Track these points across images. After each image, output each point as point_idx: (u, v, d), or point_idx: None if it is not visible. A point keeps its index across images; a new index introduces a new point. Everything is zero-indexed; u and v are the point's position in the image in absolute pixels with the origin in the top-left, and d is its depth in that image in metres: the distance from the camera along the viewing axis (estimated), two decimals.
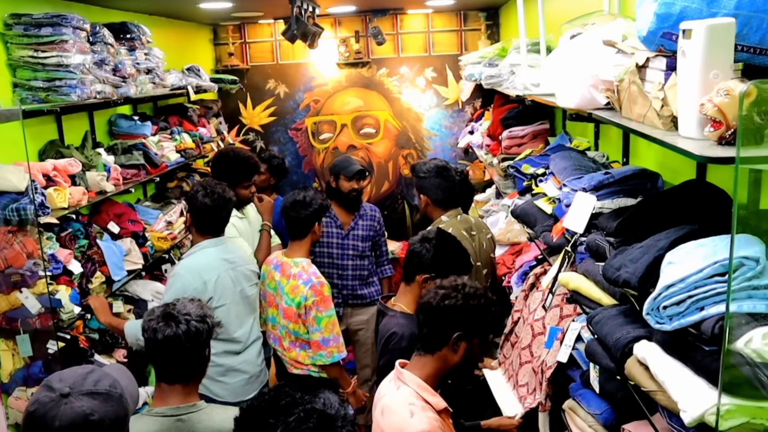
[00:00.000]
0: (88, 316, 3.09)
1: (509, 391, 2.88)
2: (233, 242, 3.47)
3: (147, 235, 3.96)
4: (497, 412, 2.78)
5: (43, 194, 2.86)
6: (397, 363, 2.17)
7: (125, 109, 4.54)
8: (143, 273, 3.93)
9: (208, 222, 3.19)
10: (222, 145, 5.50)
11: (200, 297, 2.91)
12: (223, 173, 3.81)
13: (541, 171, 3.22)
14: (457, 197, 3.51)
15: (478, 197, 5.03)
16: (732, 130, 1.28)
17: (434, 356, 2.11)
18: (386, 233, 4.54)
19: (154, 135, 4.34)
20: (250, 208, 4.03)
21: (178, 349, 2.17)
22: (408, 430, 1.95)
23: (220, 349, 3.12)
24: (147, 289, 3.91)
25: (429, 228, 2.97)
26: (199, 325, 2.21)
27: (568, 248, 2.43)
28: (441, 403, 2.08)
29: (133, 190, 3.84)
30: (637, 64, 1.71)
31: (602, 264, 2.00)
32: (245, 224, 3.87)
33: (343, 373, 3.42)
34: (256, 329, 3.35)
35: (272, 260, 3.39)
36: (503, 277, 3.57)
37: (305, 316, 3.16)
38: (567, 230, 2.40)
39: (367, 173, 4.23)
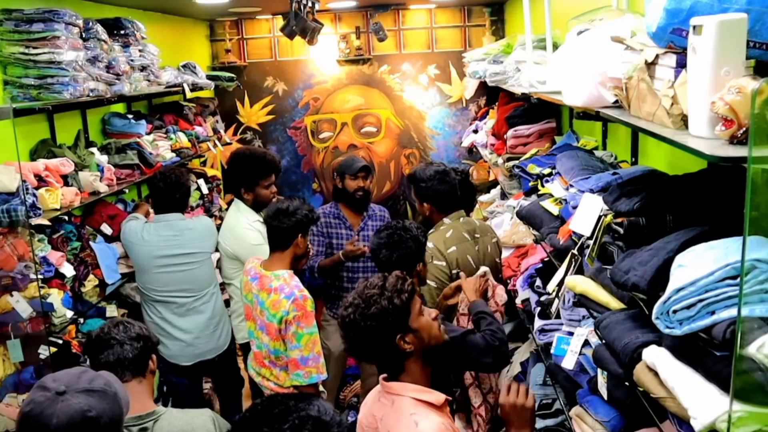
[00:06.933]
0: (81, 320, 3.05)
1: None
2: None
3: None
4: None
5: (34, 195, 2.83)
6: (380, 378, 2.08)
7: (119, 108, 4.51)
8: None
9: (159, 201, 3.63)
10: (219, 144, 5.47)
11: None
12: (240, 174, 3.76)
13: (547, 171, 3.19)
14: (458, 200, 3.43)
15: (482, 198, 4.98)
16: (744, 128, 1.26)
17: (406, 365, 2.03)
18: None
19: (148, 134, 4.31)
20: None
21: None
22: None
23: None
24: None
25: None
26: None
27: (575, 251, 2.39)
28: (440, 397, 2.01)
29: (127, 190, 3.84)
30: (646, 61, 1.68)
31: (610, 267, 1.96)
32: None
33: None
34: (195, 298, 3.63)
35: (250, 270, 3.11)
36: (508, 281, 3.51)
37: (285, 332, 2.92)
38: (574, 233, 2.36)
39: (371, 171, 4.17)
